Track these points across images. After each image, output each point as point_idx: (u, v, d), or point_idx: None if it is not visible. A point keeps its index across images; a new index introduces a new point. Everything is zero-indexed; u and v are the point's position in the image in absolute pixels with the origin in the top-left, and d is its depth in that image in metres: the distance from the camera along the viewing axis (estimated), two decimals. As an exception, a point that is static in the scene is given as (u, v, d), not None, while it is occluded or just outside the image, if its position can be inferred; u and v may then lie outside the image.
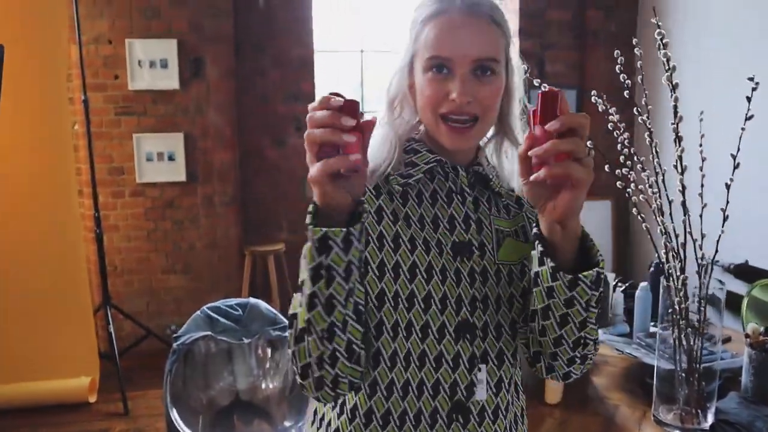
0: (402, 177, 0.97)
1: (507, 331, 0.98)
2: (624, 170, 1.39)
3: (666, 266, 1.46)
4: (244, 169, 4.07)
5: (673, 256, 1.44)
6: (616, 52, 1.30)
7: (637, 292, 1.95)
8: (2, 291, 3.01)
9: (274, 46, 4.01)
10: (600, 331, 2.06)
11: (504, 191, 1.03)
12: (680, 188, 1.37)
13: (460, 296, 0.94)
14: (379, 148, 0.95)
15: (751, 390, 1.60)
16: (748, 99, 1.19)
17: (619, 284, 2.34)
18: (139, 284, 3.87)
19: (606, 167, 1.38)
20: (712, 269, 1.41)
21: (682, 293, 1.45)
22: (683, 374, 1.46)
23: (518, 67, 0.98)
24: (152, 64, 3.66)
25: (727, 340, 1.95)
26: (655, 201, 1.43)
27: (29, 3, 3.02)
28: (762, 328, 1.70)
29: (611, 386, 1.70)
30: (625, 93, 1.33)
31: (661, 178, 1.39)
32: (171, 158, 3.77)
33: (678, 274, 1.44)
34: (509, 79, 0.96)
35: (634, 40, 1.34)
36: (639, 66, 1.30)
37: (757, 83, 1.23)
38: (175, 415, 2.23)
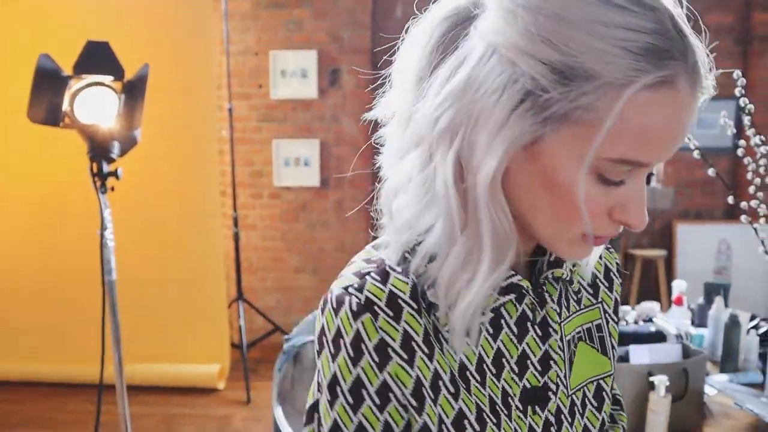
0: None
1: None
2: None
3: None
4: (376, 177, 4.15)
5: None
6: None
7: (772, 338, 1.72)
8: (147, 279, 3.32)
9: (410, 55, 4.05)
10: (725, 377, 1.85)
11: (571, 275, 0.72)
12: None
13: None
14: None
15: None
16: None
17: (761, 324, 2.09)
18: (272, 282, 4.10)
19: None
20: None
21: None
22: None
23: None
24: (293, 74, 3.86)
25: None
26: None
27: (183, 20, 3.31)
28: None
29: (727, 442, 1.52)
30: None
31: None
32: (306, 164, 3.95)
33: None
34: None
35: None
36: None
37: None
38: (279, 413, 2.32)
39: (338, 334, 0.61)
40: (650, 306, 2.15)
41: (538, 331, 0.68)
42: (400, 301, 0.61)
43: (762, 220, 1.24)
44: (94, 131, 2.11)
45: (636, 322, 1.92)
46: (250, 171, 3.98)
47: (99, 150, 2.15)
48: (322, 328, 0.63)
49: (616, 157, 0.53)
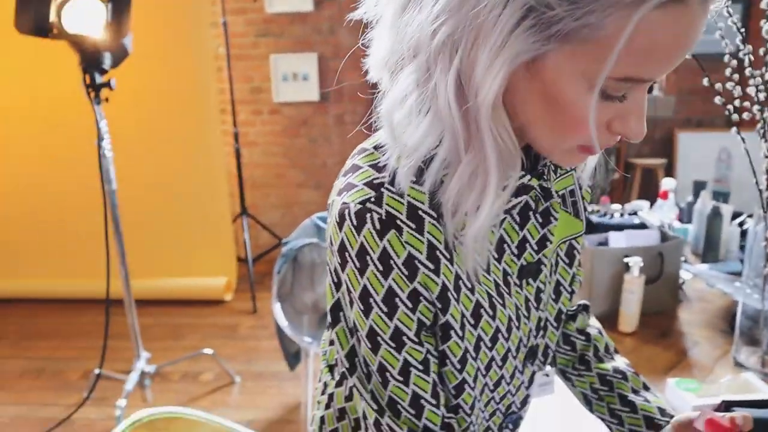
0: None
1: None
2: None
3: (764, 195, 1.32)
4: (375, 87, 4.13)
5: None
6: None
7: (750, 226, 1.75)
8: (153, 198, 3.40)
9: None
10: (707, 266, 1.91)
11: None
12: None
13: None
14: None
15: None
16: None
17: (747, 220, 2.12)
18: (275, 197, 4.17)
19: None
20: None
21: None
22: (772, 314, 1.32)
23: None
24: (288, -15, 3.78)
25: None
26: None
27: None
28: None
29: (698, 323, 1.58)
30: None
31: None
32: (305, 78, 3.93)
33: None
34: None
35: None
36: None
37: None
38: (277, 308, 2.40)
39: (363, 251, 0.61)
40: (638, 203, 2.18)
41: (540, 218, 0.71)
42: (420, 212, 0.61)
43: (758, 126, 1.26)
44: (83, 42, 2.11)
45: (622, 215, 1.96)
46: (249, 87, 3.97)
47: (90, 61, 2.16)
48: (342, 243, 0.62)
49: (621, 75, 0.52)
